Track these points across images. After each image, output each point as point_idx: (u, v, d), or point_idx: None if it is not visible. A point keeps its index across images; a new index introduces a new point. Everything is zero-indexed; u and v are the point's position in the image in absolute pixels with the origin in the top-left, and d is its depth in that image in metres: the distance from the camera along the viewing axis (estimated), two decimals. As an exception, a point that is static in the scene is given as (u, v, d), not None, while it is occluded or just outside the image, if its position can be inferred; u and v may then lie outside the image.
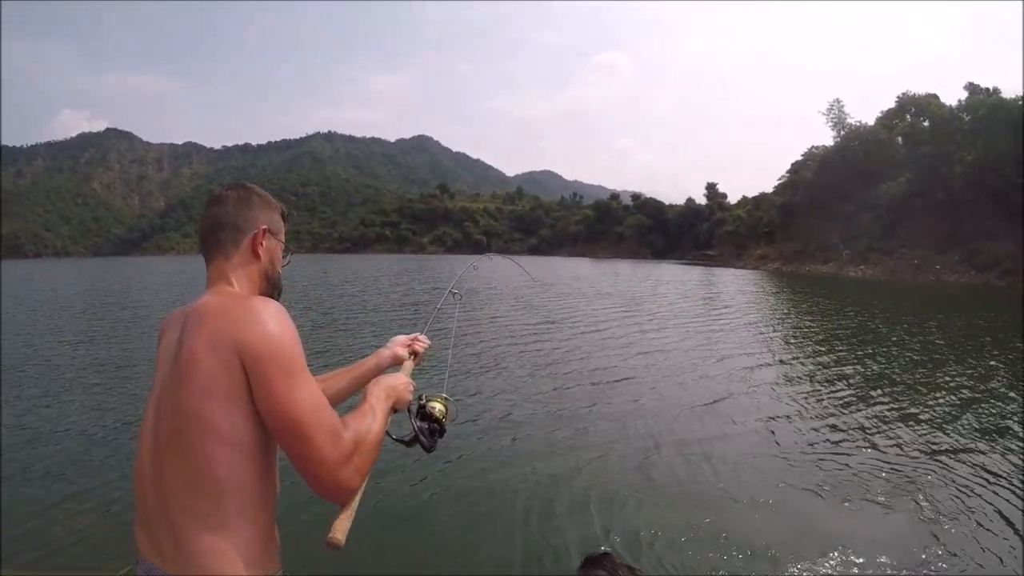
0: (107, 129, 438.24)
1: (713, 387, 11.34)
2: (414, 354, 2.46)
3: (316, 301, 29.49)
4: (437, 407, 2.03)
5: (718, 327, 19.84)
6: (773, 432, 8.74)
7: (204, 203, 1.93)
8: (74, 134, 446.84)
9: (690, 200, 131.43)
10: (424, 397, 2.06)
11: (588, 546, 5.51)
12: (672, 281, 46.46)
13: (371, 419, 1.71)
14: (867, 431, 8.71)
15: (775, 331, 19.41)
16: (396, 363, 2.38)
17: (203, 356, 1.54)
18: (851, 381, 11.93)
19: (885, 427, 8.90)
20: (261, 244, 1.82)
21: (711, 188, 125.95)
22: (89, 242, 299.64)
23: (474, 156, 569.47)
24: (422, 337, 2.54)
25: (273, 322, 1.59)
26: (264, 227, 1.83)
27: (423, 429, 1.94)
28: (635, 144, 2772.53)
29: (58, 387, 12.30)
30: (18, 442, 8.91)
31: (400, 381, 2.00)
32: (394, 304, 29.32)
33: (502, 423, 9.43)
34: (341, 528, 1.61)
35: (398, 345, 2.45)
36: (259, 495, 1.58)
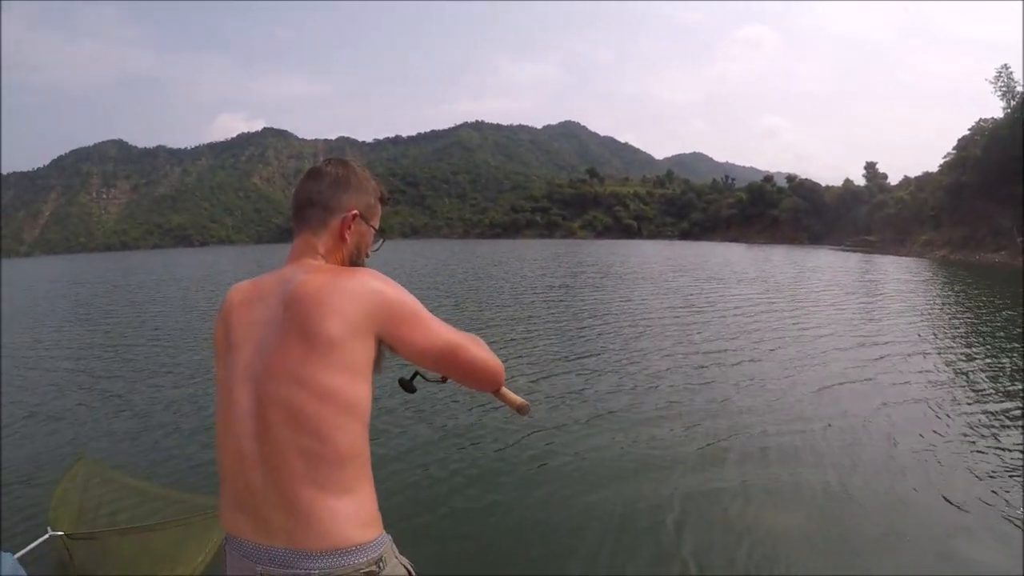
0: (264, 128, 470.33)
1: (866, 398, 9.98)
2: None
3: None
4: None
5: (867, 321, 18.42)
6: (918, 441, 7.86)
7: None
8: (234, 134, 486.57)
9: (848, 181, 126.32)
10: None
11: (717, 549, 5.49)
12: (824, 268, 45.23)
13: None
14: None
15: (938, 329, 16.97)
16: None
17: (338, 332, 1.60)
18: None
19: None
20: (349, 228, 1.86)
21: (870, 168, 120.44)
22: (252, 231, 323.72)
23: (622, 140, 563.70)
24: None
25: (386, 284, 1.70)
26: (355, 212, 1.86)
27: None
28: (784, 122, 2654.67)
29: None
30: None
31: None
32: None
33: (603, 407, 9.80)
34: (517, 400, 1.96)
35: None
36: (368, 459, 1.69)
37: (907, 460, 7.23)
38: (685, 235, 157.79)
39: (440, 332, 1.72)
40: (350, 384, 1.61)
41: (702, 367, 12.33)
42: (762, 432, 8.41)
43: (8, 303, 33.93)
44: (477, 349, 1.78)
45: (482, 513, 6.30)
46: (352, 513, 1.59)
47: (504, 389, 1.92)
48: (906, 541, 5.53)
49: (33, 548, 4.04)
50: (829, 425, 8.59)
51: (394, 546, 1.70)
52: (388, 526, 1.67)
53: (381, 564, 1.61)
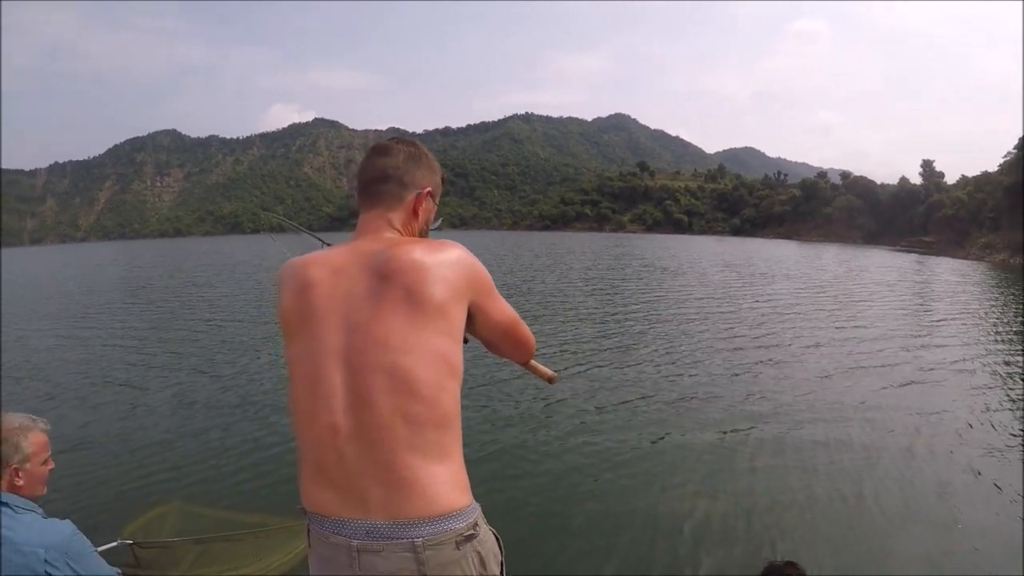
0: (315, 119, 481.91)
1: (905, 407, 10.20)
2: None
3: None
4: None
5: (916, 324, 18.82)
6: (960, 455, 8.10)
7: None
8: (285, 124, 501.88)
9: (903, 179, 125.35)
10: None
11: (750, 549, 5.78)
12: (874, 268, 45.39)
13: None
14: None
15: (989, 336, 17.02)
16: None
17: (443, 298, 1.66)
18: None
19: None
20: (422, 204, 1.91)
21: (927, 166, 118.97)
22: (303, 219, 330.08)
23: (672, 133, 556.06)
24: None
25: (474, 257, 1.78)
26: (428, 189, 1.93)
27: None
28: (839, 118, 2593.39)
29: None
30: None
31: None
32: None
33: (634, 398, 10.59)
34: (547, 372, 2.25)
35: None
36: (460, 425, 1.70)
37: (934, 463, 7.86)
38: (736, 231, 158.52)
39: (508, 307, 1.90)
40: (453, 348, 1.69)
41: (747, 361, 13.45)
42: (790, 421, 9.35)
43: (74, 284, 38.52)
44: (525, 326, 1.99)
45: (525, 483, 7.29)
46: (450, 478, 1.62)
47: (533, 361, 2.16)
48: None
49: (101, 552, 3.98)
50: (853, 420, 9.42)
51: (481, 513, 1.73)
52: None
53: (477, 528, 1.65)
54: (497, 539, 1.74)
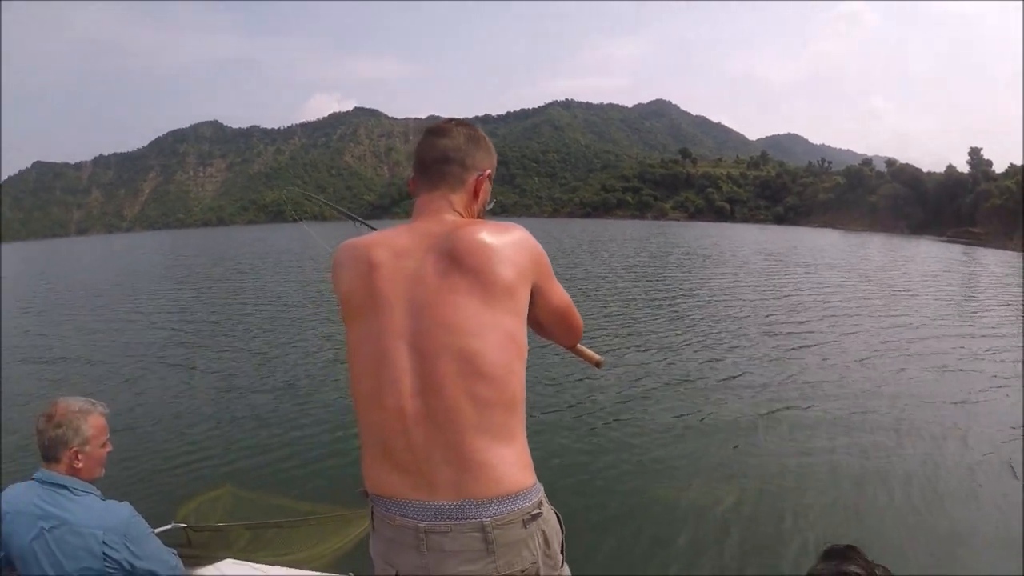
0: (355, 108, 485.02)
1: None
2: None
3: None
4: None
5: (958, 317, 18.78)
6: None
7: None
8: (326, 114, 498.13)
9: (950, 168, 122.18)
10: None
11: (804, 537, 5.86)
12: (919, 259, 45.24)
13: None
14: None
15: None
16: None
17: (512, 280, 1.67)
18: None
19: None
20: (482, 186, 1.92)
21: (974, 154, 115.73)
22: (344, 208, 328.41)
23: (714, 119, 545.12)
24: None
25: (536, 241, 1.80)
26: (488, 171, 1.94)
27: None
28: (886, 104, 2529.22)
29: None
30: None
31: None
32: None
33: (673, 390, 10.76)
34: (595, 356, 2.31)
35: None
36: (524, 405, 1.71)
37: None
38: (779, 219, 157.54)
39: (563, 291, 1.93)
40: (520, 329, 1.70)
41: (787, 348, 13.91)
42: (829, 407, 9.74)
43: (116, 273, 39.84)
44: (576, 310, 2.04)
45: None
46: (517, 458, 1.64)
47: (580, 345, 2.23)
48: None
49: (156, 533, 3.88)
50: (892, 409, 9.65)
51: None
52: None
53: (541, 507, 1.67)
54: (558, 518, 1.76)
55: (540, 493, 1.68)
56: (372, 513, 1.73)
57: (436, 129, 1.93)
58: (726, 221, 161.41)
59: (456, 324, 1.61)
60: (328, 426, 9.03)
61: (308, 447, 8.29)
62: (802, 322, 17.06)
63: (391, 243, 1.76)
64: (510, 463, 1.61)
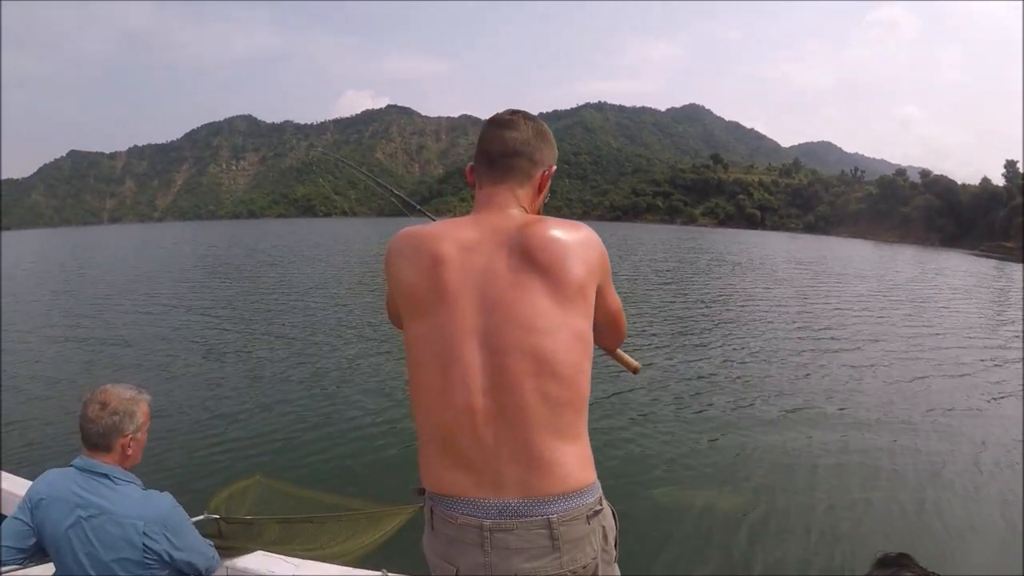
0: (388, 106, 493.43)
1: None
2: None
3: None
4: None
5: (985, 335, 17.92)
6: None
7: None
8: (359, 111, 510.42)
9: (985, 180, 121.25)
10: None
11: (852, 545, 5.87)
12: (950, 272, 44.40)
13: None
14: None
15: None
16: None
17: (584, 279, 1.66)
18: None
19: None
20: (547, 182, 1.89)
21: (1010, 166, 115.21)
22: (374, 204, 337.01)
23: (747, 125, 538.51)
24: None
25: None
26: (553, 167, 1.90)
27: None
28: (920, 113, 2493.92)
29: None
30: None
31: None
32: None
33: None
34: (633, 362, 2.30)
35: None
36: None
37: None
38: (810, 228, 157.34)
39: (617, 299, 1.92)
40: (589, 329, 1.69)
41: (815, 360, 13.82)
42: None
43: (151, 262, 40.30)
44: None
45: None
46: (582, 455, 1.63)
47: (620, 350, 2.23)
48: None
49: None
50: (920, 425, 9.59)
51: None
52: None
53: (602, 503, 1.68)
54: (613, 514, 1.77)
55: (599, 489, 1.68)
56: (431, 512, 1.69)
57: (503, 121, 1.88)
58: (756, 228, 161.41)
59: (530, 322, 1.59)
60: (358, 420, 9.10)
61: (338, 440, 8.34)
62: (830, 335, 17.14)
63: (457, 236, 1.71)
64: (575, 460, 1.60)
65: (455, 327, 1.62)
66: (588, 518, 1.61)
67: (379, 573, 3.10)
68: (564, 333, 1.60)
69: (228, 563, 3.01)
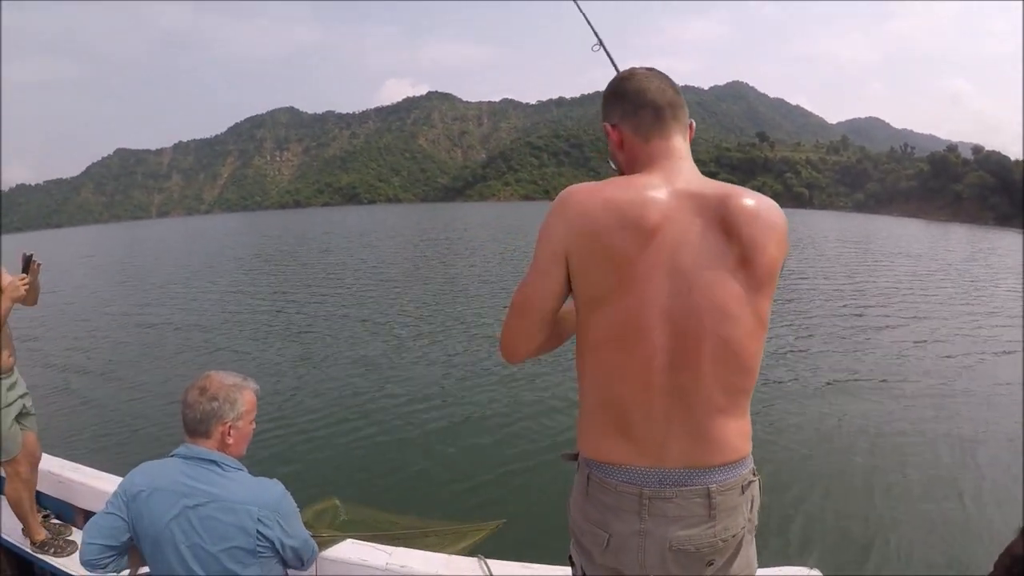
0: (429, 92, 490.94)
1: None
2: None
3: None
4: None
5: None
6: None
7: (627, 78, 1.75)
8: (400, 98, 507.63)
9: None
10: None
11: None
12: (1004, 252, 42.86)
13: None
14: None
15: None
16: None
17: (777, 261, 1.58)
18: None
19: None
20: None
21: None
22: (418, 190, 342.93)
23: (792, 102, 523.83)
24: None
25: None
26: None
27: None
28: (970, 86, 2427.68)
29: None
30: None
31: None
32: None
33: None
34: None
35: None
36: None
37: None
38: (859, 207, 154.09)
39: None
40: (769, 314, 1.61)
41: (860, 339, 14.03)
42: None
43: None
44: None
45: None
46: (743, 428, 1.62)
47: None
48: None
49: None
50: (962, 407, 9.69)
51: None
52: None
53: (755, 474, 1.67)
54: (759, 485, 1.73)
55: (753, 461, 1.68)
56: (587, 479, 1.68)
57: (657, 73, 1.76)
58: (804, 207, 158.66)
59: (723, 308, 1.54)
60: (436, 440, 8.54)
61: (415, 462, 7.85)
62: (877, 314, 17.21)
63: (656, 199, 1.56)
64: (737, 433, 1.61)
65: (645, 304, 1.54)
66: (743, 488, 1.63)
67: (475, 559, 3.09)
68: (751, 319, 1.57)
69: (321, 554, 2.95)
